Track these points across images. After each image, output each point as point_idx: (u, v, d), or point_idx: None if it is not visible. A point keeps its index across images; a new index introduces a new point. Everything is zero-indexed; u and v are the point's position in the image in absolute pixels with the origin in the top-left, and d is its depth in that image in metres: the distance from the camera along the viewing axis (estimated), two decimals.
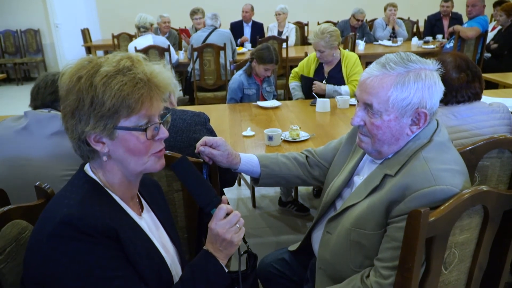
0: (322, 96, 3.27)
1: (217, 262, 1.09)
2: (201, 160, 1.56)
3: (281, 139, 2.38)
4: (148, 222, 1.17)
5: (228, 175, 2.02)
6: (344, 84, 3.40)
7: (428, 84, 1.20)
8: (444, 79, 1.68)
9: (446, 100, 1.76)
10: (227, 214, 1.10)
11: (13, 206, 1.13)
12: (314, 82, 3.37)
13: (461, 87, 1.72)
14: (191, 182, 1.14)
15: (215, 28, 5.24)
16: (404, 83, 1.19)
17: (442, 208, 1.05)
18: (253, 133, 2.54)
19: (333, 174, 1.51)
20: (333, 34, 3.27)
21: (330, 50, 3.31)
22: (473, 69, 1.76)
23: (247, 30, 6.69)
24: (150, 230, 1.13)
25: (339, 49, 3.44)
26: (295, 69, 3.67)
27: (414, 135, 1.26)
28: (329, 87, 3.33)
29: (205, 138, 1.49)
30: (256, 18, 6.75)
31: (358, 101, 1.30)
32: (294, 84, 3.67)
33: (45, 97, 1.75)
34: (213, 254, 1.10)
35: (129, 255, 0.98)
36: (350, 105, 3.08)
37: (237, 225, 1.10)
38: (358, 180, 1.40)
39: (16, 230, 1.11)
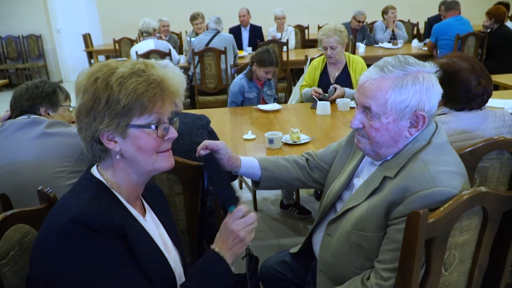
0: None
1: (224, 262, 1.12)
2: (202, 164, 1.57)
3: (282, 142, 2.39)
4: (151, 224, 1.18)
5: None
6: (353, 88, 3.35)
7: (426, 86, 1.21)
8: (469, 87, 1.67)
9: (471, 107, 1.73)
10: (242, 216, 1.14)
11: (16, 210, 1.14)
12: (335, 86, 3.28)
13: (483, 92, 1.71)
14: (218, 177, 1.19)
15: (218, 32, 5.26)
16: (402, 86, 1.20)
17: (441, 209, 1.06)
18: (254, 136, 2.55)
19: (333, 177, 1.52)
20: (343, 30, 3.28)
21: (341, 47, 3.29)
22: (484, 70, 1.74)
23: (245, 35, 6.69)
24: (153, 232, 1.15)
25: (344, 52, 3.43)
26: (306, 78, 3.54)
27: (413, 137, 1.26)
28: (348, 90, 3.28)
29: (206, 142, 1.50)
30: (253, 21, 6.76)
31: (357, 104, 1.31)
32: (306, 89, 3.51)
33: (23, 104, 1.79)
34: (220, 254, 1.12)
35: (135, 253, 1.01)
36: (351, 107, 3.08)
37: (251, 226, 1.14)
38: (357, 182, 1.40)
39: (19, 234, 1.12)
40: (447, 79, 1.27)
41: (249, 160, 1.59)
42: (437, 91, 1.24)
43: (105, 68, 1.03)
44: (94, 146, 1.05)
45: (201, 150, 1.50)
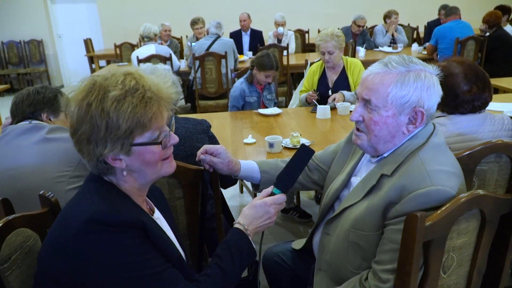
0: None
1: (249, 240, 1.19)
2: (202, 168, 1.58)
3: (282, 146, 2.40)
4: (160, 222, 1.22)
5: (228, 176, 2.04)
6: (351, 91, 3.38)
7: (427, 84, 1.24)
8: (457, 92, 1.69)
9: (459, 111, 1.75)
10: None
11: (18, 214, 1.15)
12: (333, 97, 3.28)
13: (473, 99, 1.72)
14: (298, 166, 1.29)
15: (219, 36, 5.29)
16: (404, 81, 1.23)
17: (438, 212, 1.07)
18: (254, 140, 2.56)
19: (333, 177, 1.54)
20: (341, 35, 3.30)
21: (339, 51, 3.31)
22: (482, 78, 1.74)
23: (246, 39, 6.71)
24: (163, 228, 1.18)
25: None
26: (305, 83, 3.57)
27: (410, 135, 1.28)
28: (348, 94, 3.28)
29: (206, 146, 1.52)
30: (253, 25, 6.79)
31: (358, 98, 1.34)
32: (303, 95, 3.55)
33: (24, 110, 1.78)
34: (245, 233, 1.19)
35: (156, 244, 1.04)
36: (350, 111, 3.09)
37: (280, 206, 1.25)
38: (355, 181, 1.42)
39: (21, 238, 1.13)
40: (440, 82, 1.30)
41: (249, 164, 1.61)
42: (437, 91, 1.27)
43: (94, 90, 1.01)
44: (99, 166, 1.06)
45: (201, 155, 1.51)
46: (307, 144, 2.38)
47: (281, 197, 1.24)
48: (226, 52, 4.92)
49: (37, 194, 1.28)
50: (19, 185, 1.61)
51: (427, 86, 1.24)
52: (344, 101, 3.25)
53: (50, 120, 1.82)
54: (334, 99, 3.24)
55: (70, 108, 1.03)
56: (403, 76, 1.24)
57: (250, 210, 1.22)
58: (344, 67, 3.42)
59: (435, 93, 1.26)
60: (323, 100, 3.30)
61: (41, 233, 1.20)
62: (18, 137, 1.68)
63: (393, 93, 1.23)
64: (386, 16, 6.82)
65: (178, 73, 5.36)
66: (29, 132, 1.69)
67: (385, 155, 1.32)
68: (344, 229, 1.32)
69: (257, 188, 1.64)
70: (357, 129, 1.35)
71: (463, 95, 1.71)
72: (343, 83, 3.40)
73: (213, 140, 2.08)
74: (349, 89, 3.36)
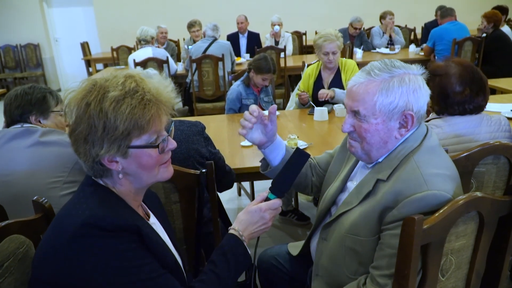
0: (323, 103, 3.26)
1: (244, 246, 1.18)
2: (198, 171, 1.57)
3: None
4: (156, 227, 1.20)
5: (225, 179, 2.03)
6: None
7: (412, 87, 1.23)
8: (447, 92, 1.69)
9: (449, 112, 1.75)
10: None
11: (11, 221, 1.13)
12: (319, 92, 3.27)
13: (464, 101, 1.71)
14: (293, 170, 1.27)
15: (215, 39, 5.29)
16: (389, 88, 1.22)
17: (436, 215, 1.06)
18: (251, 143, 2.54)
19: (329, 182, 1.53)
20: (340, 36, 3.30)
21: (339, 52, 3.31)
22: (478, 81, 1.72)
23: (243, 41, 6.71)
24: (159, 233, 1.17)
25: None
26: (301, 86, 3.56)
27: (403, 138, 1.27)
28: (338, 91, 3.25)
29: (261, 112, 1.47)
30: (251, 28, 6.79)
31: (346, 109, 1.34)
32: (297, 98, 3.56)
33: (13, 112, 1.74)
34: (240, 239, 1.18)
35: (151, 249, 1.03)
36: None
37: (275, 211, 1.23)
38: (351, 185, 1.41)
39: (14, 245, 1.11)
40: (432, 80, 1.30)
41: (280, 140, 1.55)
42: (425, 92, 1.26)
43: (94, 90, 1.01)
44: (95, 167, 1.05)
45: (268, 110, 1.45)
46: (303, 147, 2.39)
47: (276, 202, 1.23)
48: (223, 55, 4.91)
49: (31, 200, 1.26)
50: (13, 191, 1.59)
51: (413, 89, 1.23)
52: (333, 97, 3.23)
53: (40, 122, 1.77)
54: (326, 95, 3.21)
55: (69, 107, 1.02)
56: (387, 82, 1.23)
57: (245, 215, 1.21)
58: (339, 67, 3.42)
59: (423, 94, 1.25)
60: (319, 103, 3.29)
61: (35, 239, 1.18)
62: (10, 141, 1.65)
63: (380, 101, 1.23)
64: (381, 17, 6.83)
65: (175, 76, 5.36)
66: (20, 136, 1.66)
67: (379, 159, 1.31)
68: (341, 234, 1.31)
69: (265, 168, 1.58)
70: (351, 138, 1.34)
71: (453, 96, 1.70)
72: (337, 84, 3.39)
73: (209, 142, 2.07)
74: (343, 89, 3.35)
